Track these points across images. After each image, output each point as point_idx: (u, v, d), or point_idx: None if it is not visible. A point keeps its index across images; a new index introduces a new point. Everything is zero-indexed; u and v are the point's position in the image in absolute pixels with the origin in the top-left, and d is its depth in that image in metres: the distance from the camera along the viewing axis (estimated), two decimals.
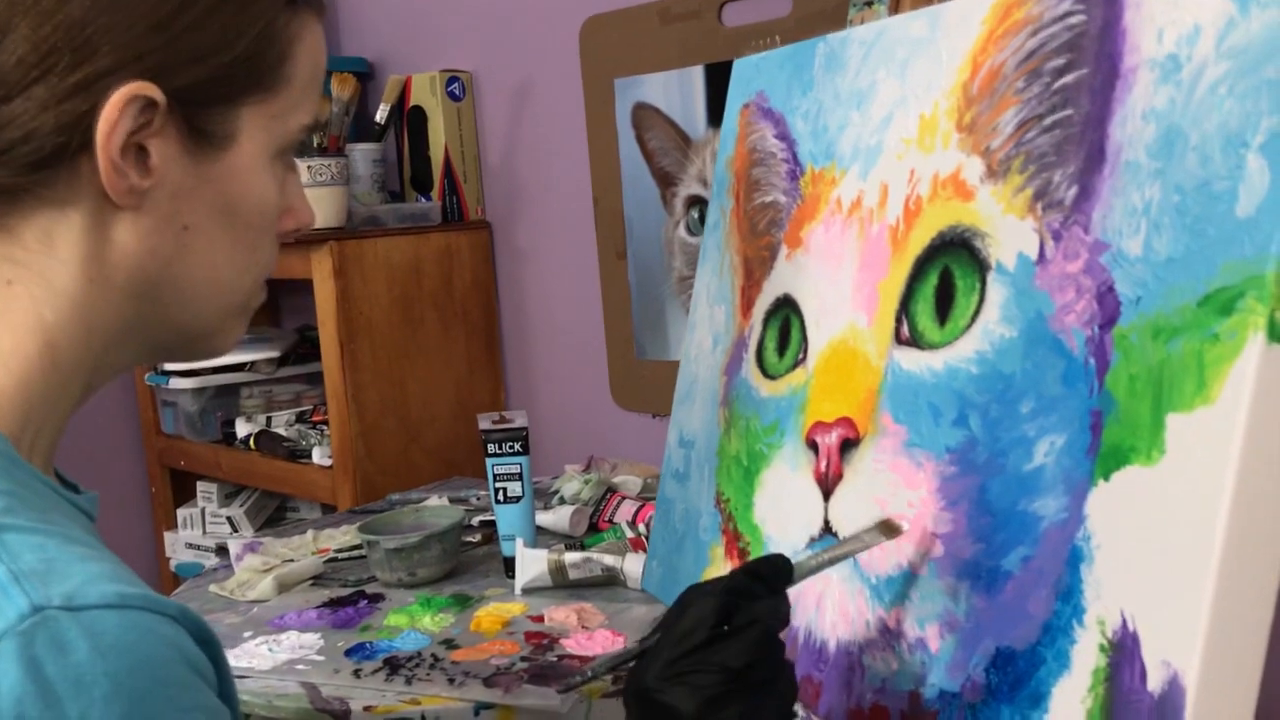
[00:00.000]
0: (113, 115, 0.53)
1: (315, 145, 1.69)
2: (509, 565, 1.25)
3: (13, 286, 0.56)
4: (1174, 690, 0.51)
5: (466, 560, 1.33)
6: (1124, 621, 0.55)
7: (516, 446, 1.25)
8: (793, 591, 0.66)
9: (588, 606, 1.15)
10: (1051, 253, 0.62)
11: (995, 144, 0.67)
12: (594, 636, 1.08)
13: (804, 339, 0.83)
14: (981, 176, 0.68)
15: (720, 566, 0.88)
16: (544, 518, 1.38)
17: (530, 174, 1.80)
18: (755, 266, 0.91)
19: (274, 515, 2.06)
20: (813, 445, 0.79)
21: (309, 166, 1.64)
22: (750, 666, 0.60)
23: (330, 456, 1.72)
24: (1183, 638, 0.51)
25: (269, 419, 1.89)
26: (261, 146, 0.59)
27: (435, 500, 1.53)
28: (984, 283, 0.66)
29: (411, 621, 1.15)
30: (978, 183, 0.68)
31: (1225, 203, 0.53)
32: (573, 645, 1.06)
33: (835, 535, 0.75)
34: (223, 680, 0.53)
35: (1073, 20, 0.63)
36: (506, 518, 1.27)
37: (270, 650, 1.10)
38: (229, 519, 2.01)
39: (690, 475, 0.96)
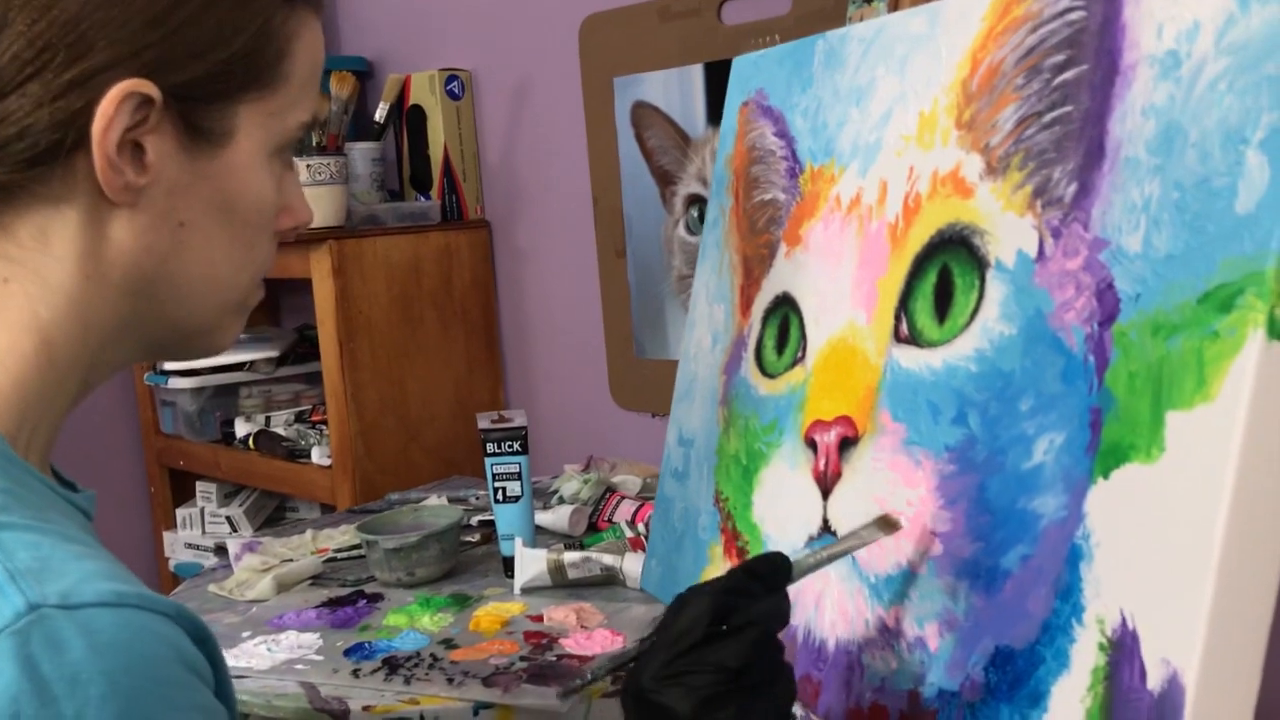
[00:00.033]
0: (108, 112, 0.53)
1: (314, 144, 1.68)
2: (508, 565, 1.25)
3: (8, 284, 0.55)
4: (1173, 689, 0.51)
5: (465, 560, 1.32)
6: (1123, 620, 0.54)
7: (515, 446, 1.25)
8: (792, 590, 0.65)
9: (587, 606, 1.14)
10: (1051, 250, 0.62)
11: (995, 141, 0.67)
12: (593, 636, 1.07)
13: (803, 337, 0.83)
14: (981, 173, 0.68)
15: (719, 565, 0.88)
16: (543, 517, 1.38)
17: (529, 173, 1.79)
18: (754, 265, 0.91)
19: (273, 515, 2.06)
20: (811, 444, 0.79)
21: (308, 165, 1.64)
22: (747, 667, 0.60)
23: (329, 456, 1.72)
24: (1182, 636, 0.51)
25: (268, 419, 1.88)
26: (259, 144, 0.59)
27: (434, 500, 1.53)
28: (983, 280, 0.66)
29: (410, 621, 1.15)
30: (977, 180, 0.68)
31: (1225, 199, 0.53)
32: (572, 645, 1.06)
33: (834, 534, 0.75)
34: (220, 679, 0.53)
35: (1072, 16, 0.63)
36: (505, 517, 1.26)
37: (269, 650, 1.10)
38: (228, 519, 2.01)
39: (689, 474, 0.95)
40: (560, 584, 1.19)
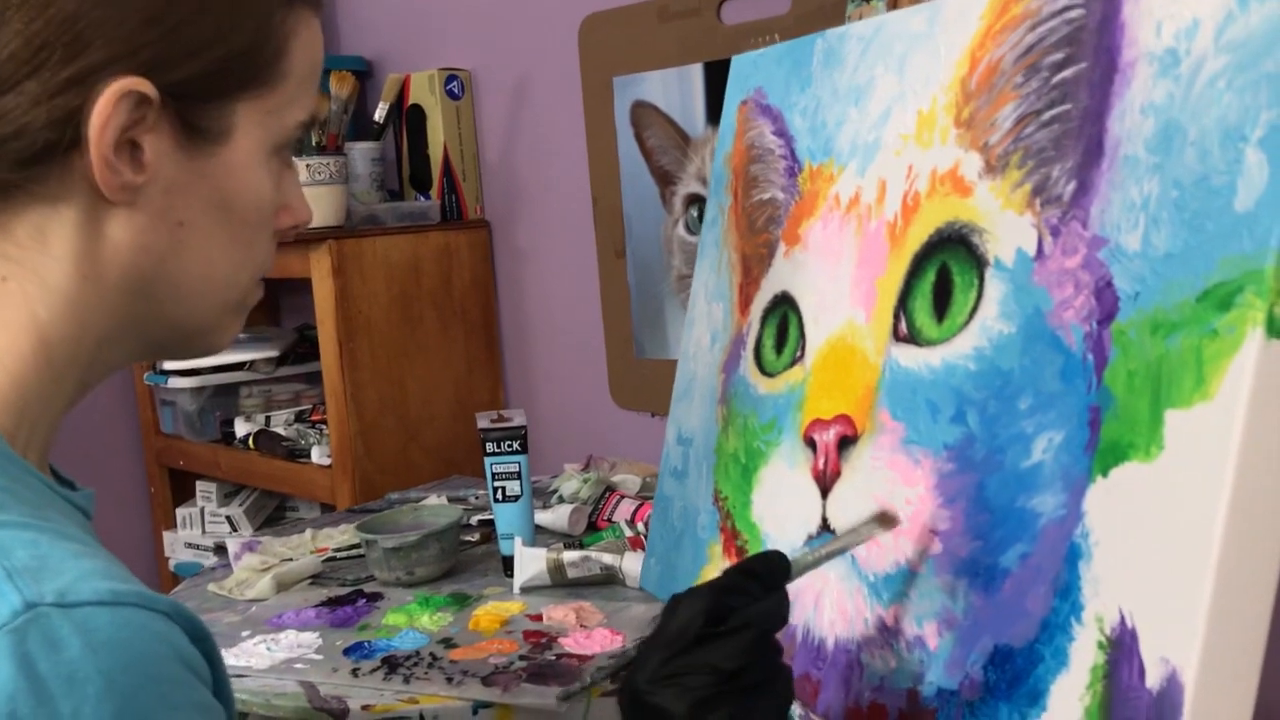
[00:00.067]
0: (105, 111, 0.53)
1: (314, 144, 1.68)
2: (507, 564, 1.25)
3: (6, 283, 0.55)
4: (1172, 687, 0.51)
5: (465, 559, 1.32)
6: (1122, 618, 0.54)
7: (515, 445, 1.25)
8: (791, 589, 0.65)
9: (586, 605, 1.14)
10: (1050, 248, 0.62)
11: (993, 139, 0.67)
12: (592, 635, 1.07)
13: (802, 336, 0.82)
14: (980, 172, 0.68)
15: (718, 564, 0.88)
16: (543, 516, 1.38)
17: (529, 173, 1.79)
18: (753, 264, 0.91)
19: (273, 515, 2.06)
20: (810, 443, 0.79)
21: (307, 165, 1.64)
22: (743, 668, 0.59)
23: (329, 456, 1.72)
24: (1181, 634, 0.51)
25: (268, 418, 1.88)
26: (258, 142, 0.58)
27: (434, 499, 1.53)
28: (982, 279, 0.66)
29: (410, 620, 1.15)
30: (976, 178, 0.68)
31: (1224, 197, 0.53)
32: (571, 644, 1.06)
33: (833, 533, 0.75)
34: (217, 678, 0.53)
35: (1071, 14, 0.63)
36: (505, 517, 1.26)
37: (268, 649, 1.10)
38: (228, 518, 2.01)
39: (688, 473, 0.95)
40: (560, 583, 1.19)
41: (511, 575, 1.22)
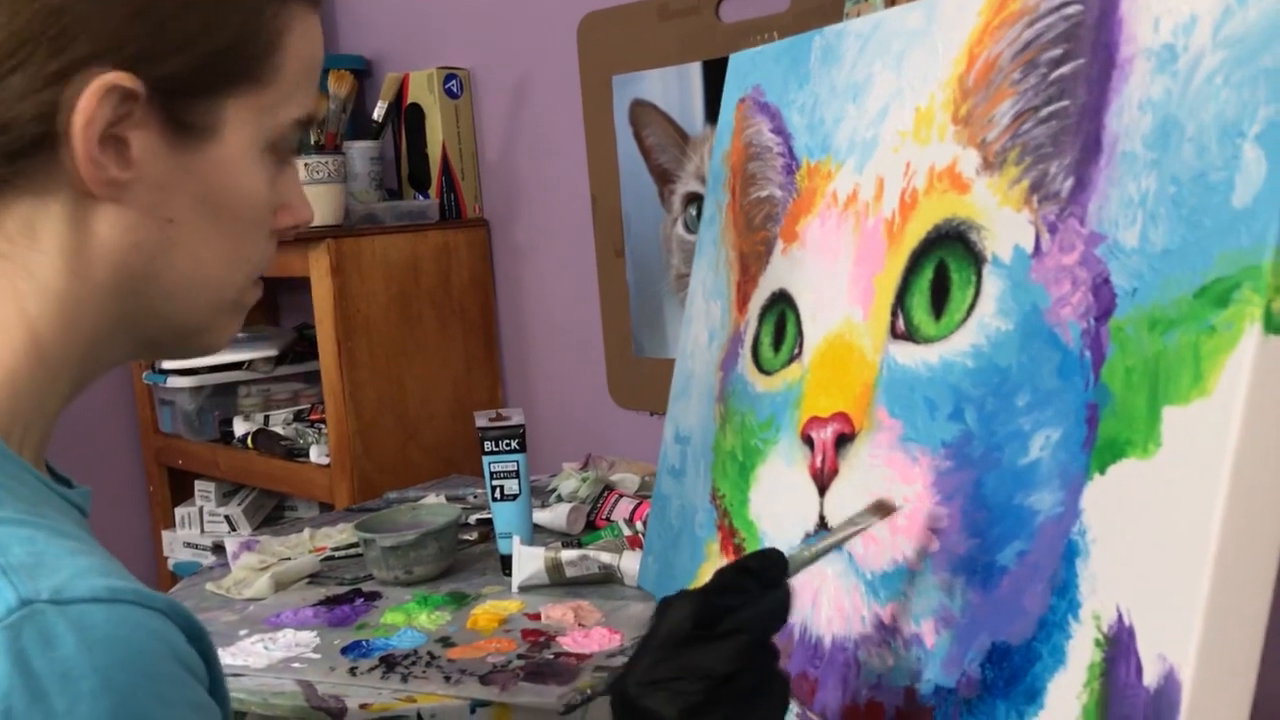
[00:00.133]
0: (89, 106, 0.52)
1: (312, 143, 1.68)
2: (506, 563, 1.24)
3: None
4: (1170, 685, 0.51)
5: (463, 558, 1.32)
6: (1120, 616, 0.54)
7: (513, 444, 1.25)
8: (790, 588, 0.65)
9: (585, 604, 1.14)
10: (1047, 245, 0.62)
11: (991, 136, 0.67)
12: (591, 634, 1.07)
13: (799, 334, 0.82)
14: (977, 169, 0.68)
15: (716, 562, 0.88)
16: (541, 515, 1.38)
17: (528, 171, 1.79)
18: (751, 261, 0.91)
19: (272, 514, 2.06)
20: (808, 440, 0.78)
21: (306, 164, 1.64)
22: (735, 674, 0.58)
23: (328, 455, 1.72)
24: (1179, 632, 0.51)
25: (267, 418, 1.88)
26: (250, 139, 0.58)
27: (432, 498, 1.53)
28: (979, 276, 0.66)
29: (408, 619, 1.15)
30: (974, 175, 0.68)
31: (1221, 193, 0.53)
32: (569, 643, 1.06)
33: (830, 530, 0.75)
34: (213, 676, 0.52)
35: (1069, 11, 0.63)
36: (503, 515, 1.26)
37: (266, 648, 1.10)
38: (227, 518, 2.01)
39: (686, 471, 0.95)
40: (558, 582, 1.19)
41: (510, 574, 1.22)
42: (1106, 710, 0.54)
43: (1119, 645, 0.54)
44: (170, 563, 2.10)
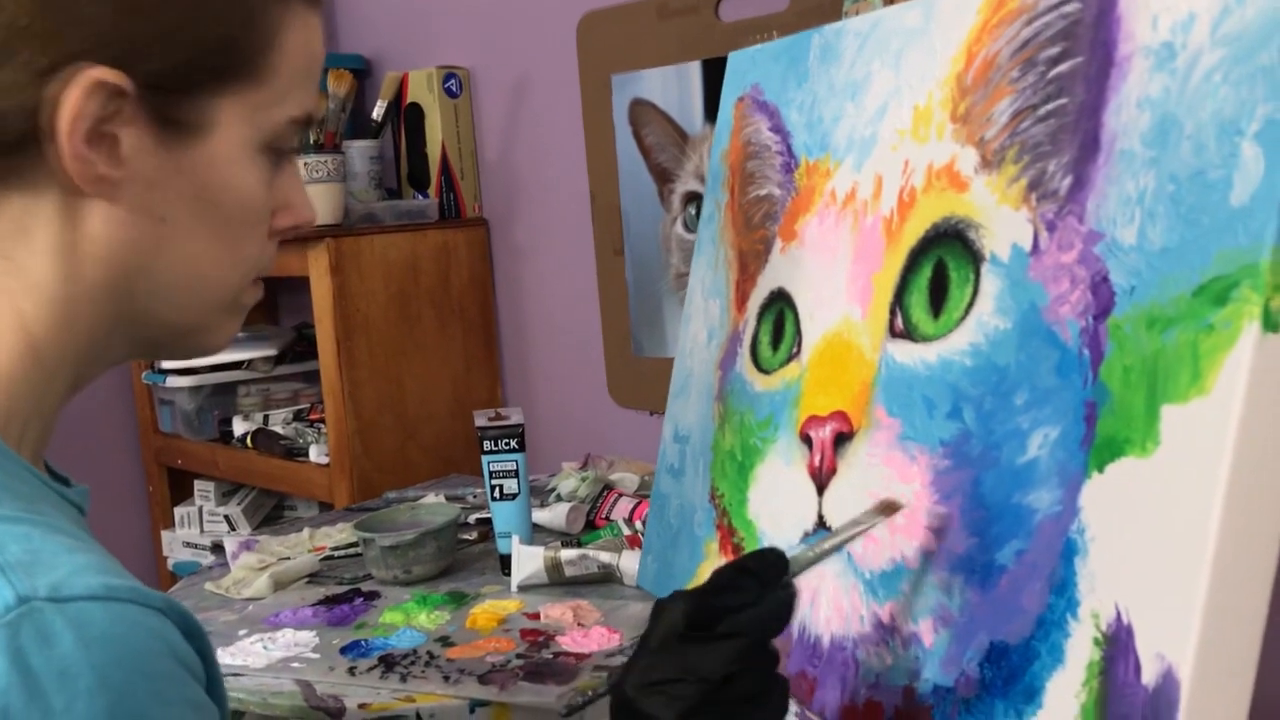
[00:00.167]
0: (75, 102, 0.51)
1: (312, 142, 1.68)
2: (505, 563, 1.24)
3: None
4: (1168, 683, 0.51)
5: (462, 558, 1.32)
6: (1118, 614, 0.54)
7: (512, 443, 1.25)
8: None
9: (584, 604, 1.14)
10: (1045, 243, 0.62)
11: (990, 134, 0.67)
12: (590, 634, 1.07)
13: (798, 332, 0.82)
14: (976, 167, 0.67)
15: (715, 561, 0.88)
16: (540, 515, 1.37)
17: (527, 171, 1.79)
18: (750, 260, 0.91)
19: (272, 513, 2.06)
20: (806, 439, 0.78)
21: (305, 163, 1.64)
22: (731, 678, 0.58)
23: (327, 455, 1.72)
24: (1177, 630, 0.51)
25: (266, 417, 1.88)
26: (244, 137, 0.57)
27: (431, 498, 1.53)
28: (978, 274, 0.66)
29: (407, 619, 1.15)
30: (972, 173, 0.68)
31: (1220, 191, 0.53)
32: (568, 642, 1.06)
33: (829, 530, 0.75)
34: (211, 675, 0.52)
35: (1067, 9, 0.63)
36: (503, 515, 1.26)
37: (265, 648, 1.10)
38: (226, 517, 2.01)
39: (685, 470, 0.95)
40: (557, 582, 1.19)
41: (509, 574, 1.22)
42: (1105, 709, 0.54)
43: (1117, 644, 0.54)
44: (170, 562, 2.10)
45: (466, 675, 1.00)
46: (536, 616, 1.13)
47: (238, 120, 0.56)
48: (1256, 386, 0.50)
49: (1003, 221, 0.65)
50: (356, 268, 1.68)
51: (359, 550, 1.32)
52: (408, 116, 1.85)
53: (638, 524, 1.29)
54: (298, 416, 1.87)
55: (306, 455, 1.77)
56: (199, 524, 2.06)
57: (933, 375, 0.68)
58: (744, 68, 0.96)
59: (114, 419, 2.18)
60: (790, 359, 0.83)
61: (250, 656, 1.08)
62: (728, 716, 0.58)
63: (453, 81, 1.82)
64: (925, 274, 0.70)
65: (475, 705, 0.96)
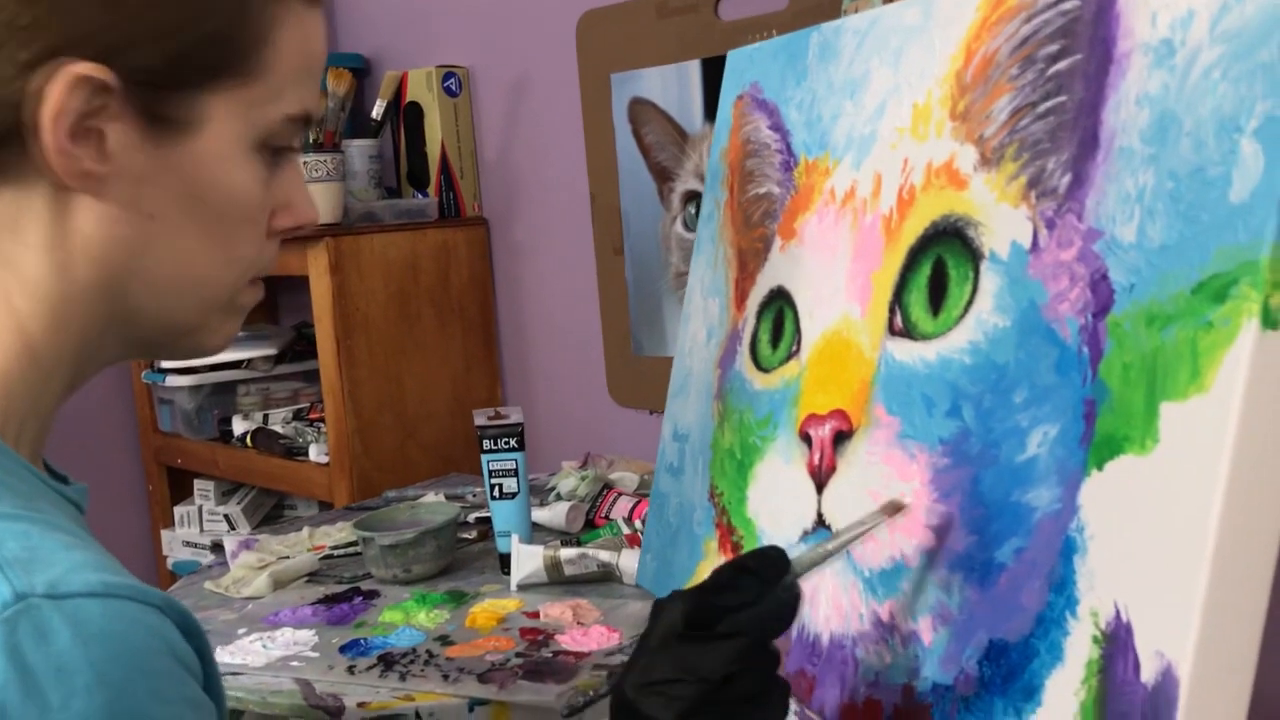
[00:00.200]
0: (58, 96, 0.51)
1: (311, 141, 1.68)
2: (504, 561, 1.24)
3: None
4: (1168, 681, 0.51)
5: (462, 557, 1.32)
6: (1117, 612, 0.54)
7: (512, 442, 1.25)
8: None
9: (583, 603, 1.14)
10: (1045, 241, 0.62)
11: (989, 132, 0.67)
12: (589, 632, 1.07)
13: (797, 331, 0.82)
14: (975, 165, 0.67)
15: (714, 560, 0.88)
16: (540, 514, 1.37)
17: (527, 170, 1.79)
18: (749, 258, 0.91)
19: (271, 513, 2.06)
20: (806, 438, 0.78)
21: (305, 162, 1.64)
22: (731, 678, 0.57)
23: (327, 454, 1.72)
24: (1176, 628, 0.51)
25: (266, 416, 1.88)
26: (236, 135, 0.56)
27: (431, 497, 1.52)
28: (977, 272, 0.66)
29: (406, 618, 1.15)
30: (971, 171, 0.68)
31: (1219, 188, 0.52)
32: (568, 641, 1.06)
33: (828, 528, 0.75)
34: (208, 674, 0.52)
35: (1066, 6, 0.63)
36: (502, 514, 1.26)
37: (264, 647, 1.09)
38: (226, 517, 2.01)
39: (684, 469, 0.95)
40: (557, 580, 1.19)
41: (508, 573, 1.22)
42: (1104, 707, 0.54)
43: (1117, 642, 0.54)
44: (169, 562, 2.10)
45: (466, 674, 1.00)
46: (536, 615, 1.13)
47: (230, 117, 0.56)
48: (1256, 384, 0.50)
49: (1002, 219, 0.65)
50: (356, 267, 1.68)
51: (358, 549, 1.32)
52: (407, 115, 1.85)
53: (637, 523, 1.29)
54: (297, 416, 1.87)
55: (306, 454, 1.77)
56: (199, 523, 2.06)
57: (932, 373, 0.68)
58: (743, 66, 0.96)
59: (114, 418, 2.18)
60: (789, 357, 0.83)
61: (249, 655, 1.08)
62: (727, 717, 0.58)
63: (452, 80, 1.82)
64: (924, 272, 0.70)
65: (474, 704, 0.96)
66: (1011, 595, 0.60)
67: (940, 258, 0.69)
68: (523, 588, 1.19)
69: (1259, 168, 0.51)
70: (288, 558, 1.33)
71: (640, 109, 1.57)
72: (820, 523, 0.76)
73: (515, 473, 1.25)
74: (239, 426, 1.87)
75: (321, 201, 1.65)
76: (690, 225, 1.53)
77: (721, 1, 1.46)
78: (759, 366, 0.86)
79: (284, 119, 0.58)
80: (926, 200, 0.71)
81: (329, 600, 1.21)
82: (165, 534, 2.11)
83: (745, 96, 0.94)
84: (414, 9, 1.92)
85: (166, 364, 1.89)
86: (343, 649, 1.08)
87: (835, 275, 0.79)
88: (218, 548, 1.91)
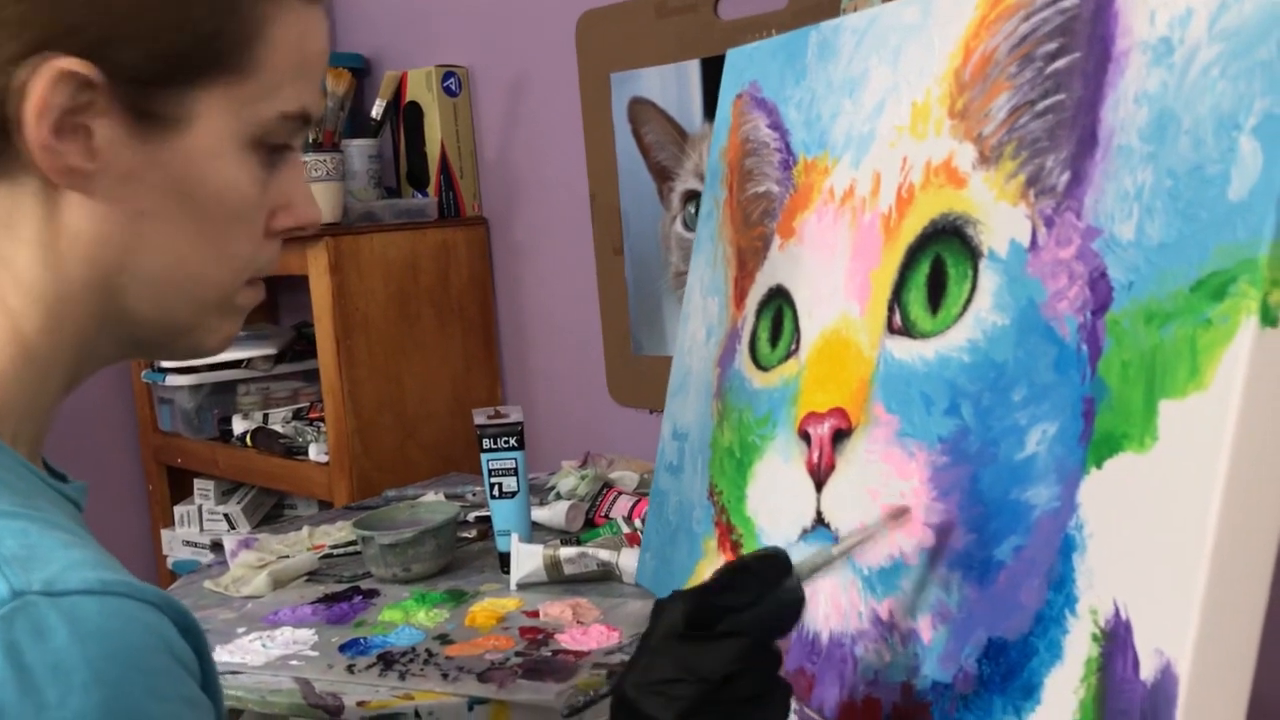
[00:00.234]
0: (40, 92, 0.51)
1: (311, 141, 1.68)
2: (504, 561, 1.24)
3: None
4: (1167, 679, 0.51)
5: (462, 556, 1.32)
6: (1116, 610, 0.54)
7: (512, 441, 1.25)
8: None
9: (583, 602, 1.14)
10: (1044, 239, 0.62)
11: (987, 130, 0.67)
12: (589, 631, 1.07)
13: (796, 329, 0.82)
14: (974, 163, 0.67)
15: (714, 558, 0.88)
16: (540, 513, 1.37)
17: (527, 169, 1.79)
18: (748, 257, 0.91)
19: (271, 512, 2.06)
20: (805, 436, 0.78)
21: (304, 162, 1.64)
22: (731, 678, 0.57)
23: (327, 453, 1.72)
24: (1176, 626, 0.51)
25: (266, 416, 1.88)
26: (226, 132, 0.55)
27: (431, 496, 1.53)
28: (976, 270, 0.66)
29: (406, 617, 1.15)
30: (970, 169, 0.68)
31: (1218, 186, 0.52)
32: (567, 640, 1.06)
33: (827, 526, 0.75)
34: (205, 672, 0.52)
35: (1065, 4, 0.63)
36: (502, 513, 1.26)
37: (264, 646, 1.09)
38: (226, 516, 2.01)
39: (684, 468, 0.95)
40: (556, 580, 1.19)
41: (508, 572, 1.22)
42: (1104, 705, 0.54)
43: (1116, 640, 0.54)
44: (169, 561, 2.10)
45: (465, 673, 1.00)
46: (535, 614, 1.13)
47: (221, 114, 0.55)
48: (1254, 381, 0.50)
49: (1001, 217, 0.65)
50: (356, 267, 1.68)
51: (358, 548, 1.32)
52: (407, 115, 1.85)
53: (637, 522, 1.29)
54: (297, 415, 1.87)
55: (306, 454, 1.77)
56: (199, 523, 2.06)
57: (931, 372, 0.68)
58: (742, 65, 0.96)
59: (113, 418, 2.18)
60: (789, 356, 0.83)
61: (249, 654, 1.08)
62: (728, 717, 0.58)
63: (452, 80, 1.82)
64: (923, 270, 0.70)
65: (474, 703, 0.96)
66: (1010, 593, 0.60)
67: (939, 256, 0.69)
68: (522, 587, 1.19)
69: (1258, 165, 0.51)
70: (287, 557, 1.33)
71: (640, 108, 1.57)
72: (819, 521, 0.75)
73: (515, 472, 1.25)
74: (239, 426, 1.88)
75: (321, 201, 1.65)
76: (690, 225, 1.53)
77: (721, 1, 1.46)
78: (758, 365, 0.86)
79: (279, 116, 0.57)
80: (925, 198, 0.71)
81: (328, 599, 1.21)
82: (165, 533, 2.11)
83: (744, 95, 0.94)
84: (414, 9, 1.92)
85: (166, 363, 1.89)
86: (342, 648, 1.08)
87: (834, 274, 0.79)
88: (217, 547, 1.90)
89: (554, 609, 1.13)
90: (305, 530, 1.42)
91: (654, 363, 1.61)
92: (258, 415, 1.88)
